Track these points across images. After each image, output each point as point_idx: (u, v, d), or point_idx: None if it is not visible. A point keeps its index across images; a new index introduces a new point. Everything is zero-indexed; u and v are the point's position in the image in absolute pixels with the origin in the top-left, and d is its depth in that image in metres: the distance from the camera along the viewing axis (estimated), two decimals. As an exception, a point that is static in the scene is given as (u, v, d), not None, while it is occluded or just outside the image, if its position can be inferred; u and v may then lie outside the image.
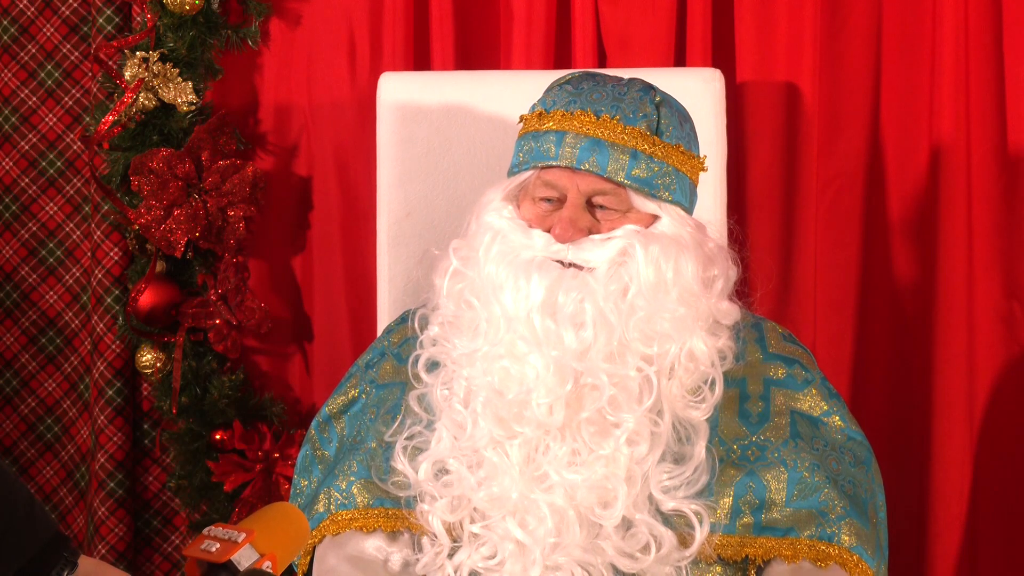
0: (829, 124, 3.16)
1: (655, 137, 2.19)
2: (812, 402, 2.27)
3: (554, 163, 2.19)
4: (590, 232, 2.18)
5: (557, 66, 3.20)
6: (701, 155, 2.29)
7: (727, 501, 2.17)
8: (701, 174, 2.30)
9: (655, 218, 2.21)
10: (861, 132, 3.18)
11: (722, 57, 3.16)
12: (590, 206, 2.19)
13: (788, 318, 3.11)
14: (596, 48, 3.19)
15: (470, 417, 2.17)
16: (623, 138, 2.17)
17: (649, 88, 2.25)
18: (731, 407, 2.23)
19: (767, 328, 2.34)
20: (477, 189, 2.76)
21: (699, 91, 2.80)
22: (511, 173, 2.28)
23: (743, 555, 2.17)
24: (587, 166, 2.17)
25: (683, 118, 2.26)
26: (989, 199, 3.12)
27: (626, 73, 2.40)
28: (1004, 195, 3.14)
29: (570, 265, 2.16)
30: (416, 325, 2.32)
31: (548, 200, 2.21)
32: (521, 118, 2.30)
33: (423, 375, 2.25)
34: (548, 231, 2.19)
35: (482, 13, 3.26)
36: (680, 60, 3.19)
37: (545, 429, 2.13)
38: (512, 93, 2.86)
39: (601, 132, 2.18)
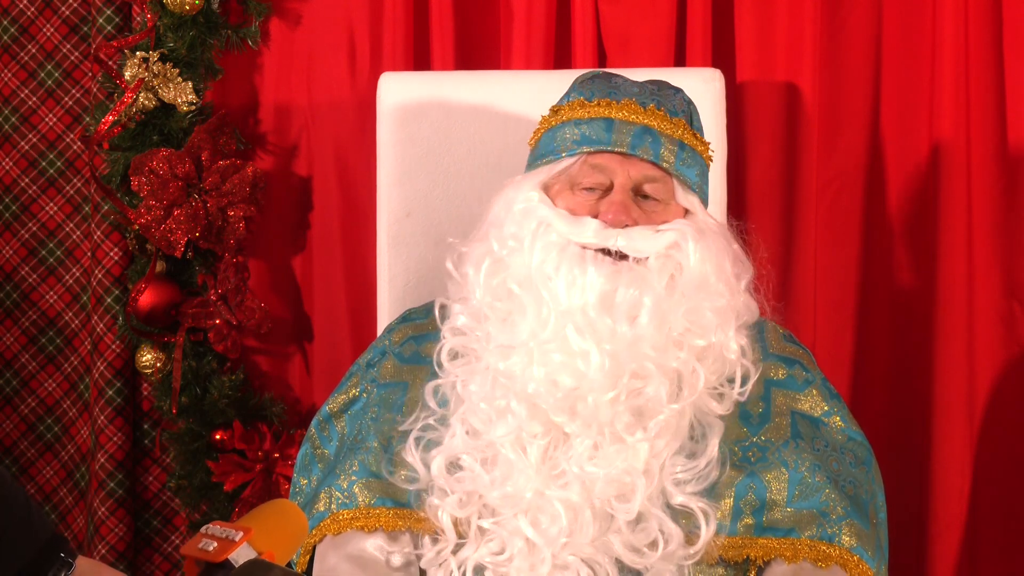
0: (829, 124, 3.16)
1: (695, 132, 2.24)
2: (813, 403, 2.27)
3: (607, 148, 2.19)
4: (636, 221, 2.18)
5: (557, 66, 3.20)
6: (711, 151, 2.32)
7: (728, 502, 2.17)
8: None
9: (687, 211, 2.23)
10: (861, 132, 3.18)
11: (722, 57, 3.16)
12: (635, 196, 2.19)
13: (788, 318, 3.09)
14: (596, 48, 3.19)
15: (495, 413, 2.16)
16: (671, 129, 2.20)
17: (677, 87, 2.28)
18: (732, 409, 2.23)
19: (767, 328, 2.34)
20: (477, 189, 2.77)
21: (699, 91, 2.79)
22: (543, 161, 2.27)
23: (744, 556, 2.17)
24: (641, 152, 2.18)
25: (701, 126, 2.30)
26: (989, 199, 3.12)
27: (626, 73, 2.40)
28: (1004, 195, 3.14)
29: (617, 253, 2.15)
30: (437, 313, 2.29)
31: (590, 189, 2.20)
32: (553, 109, 2.29)
33: (446, 363, 2.23)
34: (595, 217, 2.18)
35: (482, 13, 3.27)
36: (680, 60, 3.19)
37: (589, 423, 2.11)
38: (512, 93, 2.86)
39: (651, 121, 2.19)
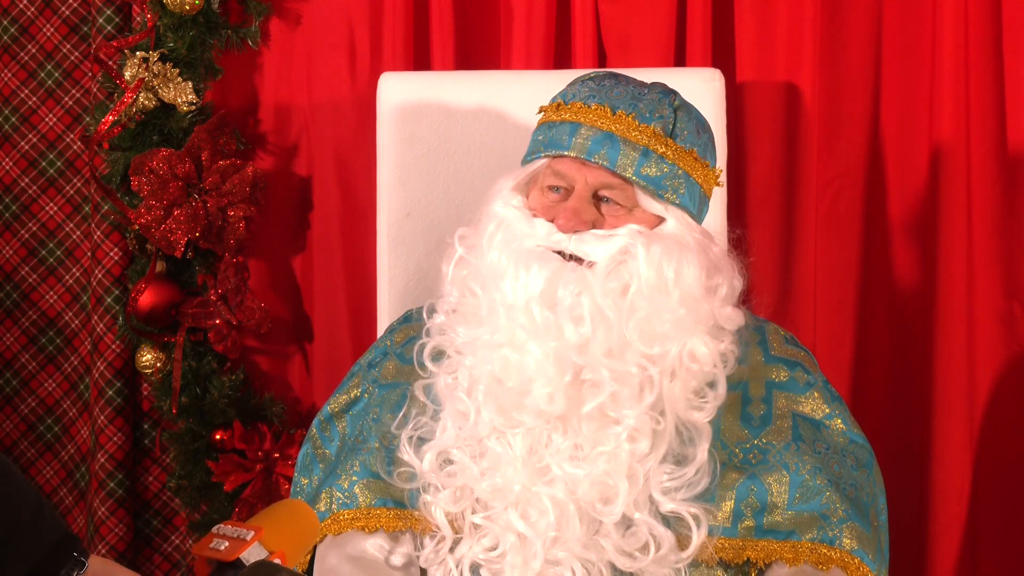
0: (829, 124, 3.17)
1: (668, 139, 2.19)
2: (814, 405, 2.27)
3: (565, 153, 2.19)
4: (594, 226, 2.18)
5: (557, 66, 3.20)
6: (717, 168, 2.28)
7: (729, 504, 2.17)
8: (715, 188, 2.30)
9: (660, 220, 2.21)
10: (861, 132, 3.19)
11: (722, 57, 3.16)
12: (596, 200, 2.20)
13: (788, 318, 3.11)
14: (596, 48, 3.19)
15: (473, 406, 2.17)
16: (636, 135, 2.18)
17: (669, 92, 2.25)
18: (733, 410, 2.22)
19: (769, 331, 2.34)
20: (477, 189, 2.76)
21: (699, 91, 2.80)
22: (525, 162, 2.29)
23: (744, 558, 2.17)
24: (597, 159, 2.17)
25: (700, 127, 2.26)
26: (989, 199, 3.12)
27: (629, 74, 2.40)
28: (1004, 195, 3.14)
29: (571, 257, 2.16)
30: (425, 314, 2.31)
31: (555, 190, 2.21)
32: (540, 109, 2.31)
33: (428, 364, 2.25)
34: (552, 221, 2.19)
35: (482, 13, 3.27)
36: (680, 60, 3.19)
37: (545, 419, 2.13)
38: (512, 93, 2.87)
39: (615, 127, 2.18)
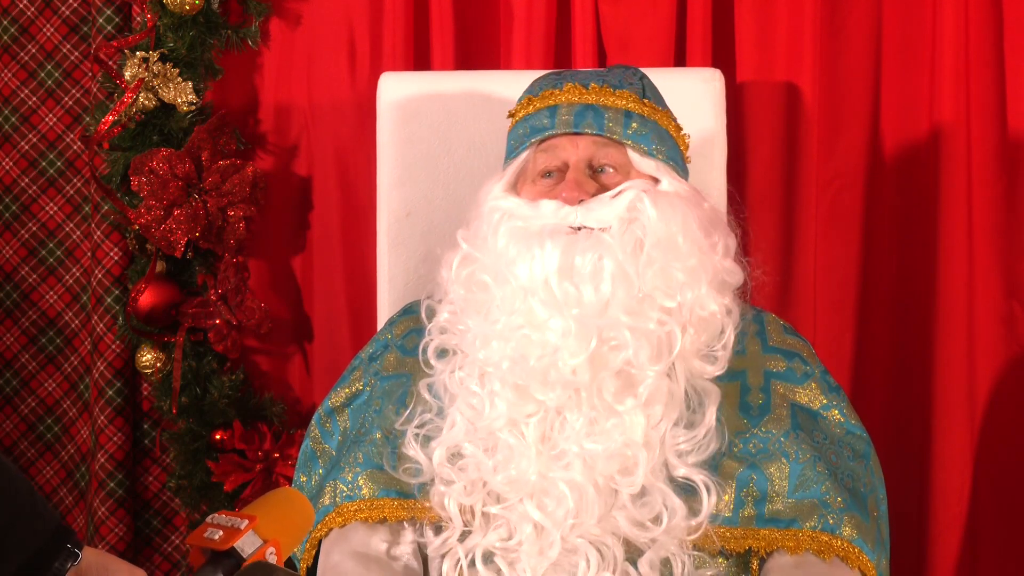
0: (829, 124, 3.17)
1: (644, 100, 2.26)
2: (811, 395, 2.28)
3: (551, 133, 2.24)
4: (595, 194, 2.20)
5: (557, 66, 3.20)
6: (685, 134, 2.34)
7: (730, 493, 2.17)
8: (688, 165, 2.36)
9: (655, 180, 2.24)
10: (861, 132, 3.19)
11: (722, 57, 3.17)
12: (592, 172, 2.23)
13: (788, 318, 3.09)
14: (596, 48, 3.20)
15: (488, 399, 2.17)
16: (614, 100, 2.24)
17: (631, 68, 2.33)
18: (732, 401, 2.23)
19: (768, 320, 2.36)
20: (477, 189, 2.77)
21: (699, 91, 2.81)
22: (506, 163, 2.32)
23: (746, 547, 2.17)
24: (584, 128, 2.22)
25: (663, 100, 2.34)
26: (989, 199, 3.12)
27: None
28: (1004, 195, 3.14)
29: (580, 228, 2.18)
30: (424, 315, 2.31)
31: (548, 175, 2.25)
32: (509, 114, 2.35)
33: (433, 362, 2.25)
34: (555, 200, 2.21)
35: (482, 13, 3.27)
36: (680, 60, 3.20)
37: (574, 388, 2.12)
38: (512, 93, 2.84)
39: (592, 98, 2.25)
